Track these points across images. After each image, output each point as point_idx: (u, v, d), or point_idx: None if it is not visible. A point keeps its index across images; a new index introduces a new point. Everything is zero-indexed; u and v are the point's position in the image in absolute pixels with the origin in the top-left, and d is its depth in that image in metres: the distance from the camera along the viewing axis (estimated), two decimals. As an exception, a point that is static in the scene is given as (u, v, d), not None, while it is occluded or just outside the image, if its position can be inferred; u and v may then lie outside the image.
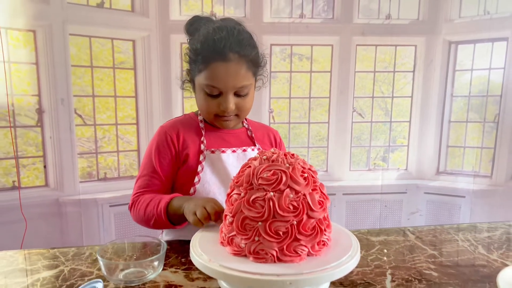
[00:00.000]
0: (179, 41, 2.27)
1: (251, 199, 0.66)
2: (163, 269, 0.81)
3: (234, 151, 0.98)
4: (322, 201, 0.69)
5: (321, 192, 0.71)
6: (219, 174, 0.95)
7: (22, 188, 2.10)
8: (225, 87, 0.87)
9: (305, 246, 0.66)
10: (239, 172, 0.73)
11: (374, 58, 2.43)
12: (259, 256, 0.65)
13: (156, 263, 0.78)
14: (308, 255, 0.67)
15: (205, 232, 0.79)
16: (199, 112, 0.99)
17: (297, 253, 0.65)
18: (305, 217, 0.66)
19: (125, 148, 2.32)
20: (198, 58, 0.88)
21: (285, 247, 0.65)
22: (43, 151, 2.16)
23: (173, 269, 0.81)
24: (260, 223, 0.65)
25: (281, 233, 0.65)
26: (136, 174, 1.85)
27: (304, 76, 2.43)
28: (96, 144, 2.26)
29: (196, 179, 0.93)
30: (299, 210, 0.65)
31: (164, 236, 1.10)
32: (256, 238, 0.65)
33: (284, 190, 0.66)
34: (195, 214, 0.78)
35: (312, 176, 0.70)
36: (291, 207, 0.65)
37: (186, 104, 2.37)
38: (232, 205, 0.70)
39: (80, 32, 2.15)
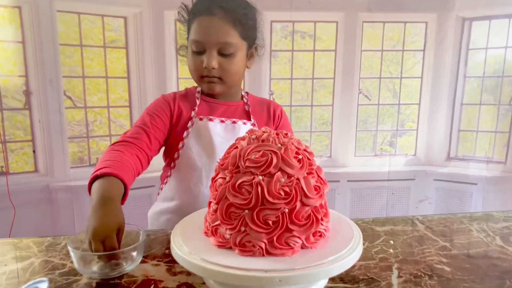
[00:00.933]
0: (173, 18, 2.18)
1: (237, 184, 0.59)
2: (144, 262, 0.74)
3: (222, 121, 0.97)
4: (319, 187, 0.62)
5: (318, 176, 0.63)
6: (202, 142, 0.95)
7: (10, 174, 2.05)
8: (208, 41, 0.88)
9: (299, 238, 0.59)
10: (225, 154, 0.66)
11: (381, 36, 2.35)
12: (245, 248, 0.58)
13: (134, 254, 0.71)
14: (302, 248, 0.60)
15: (192, 219, 0.73)
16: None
17: (289, 245, 0.58)
18: (298, 204, 0.59)
19: (117, 132, 2.27)
20: (189, 16, 0.93)
21: (275, 238, 0.58)
22: (31, 135, 2.11)
23: (154, 262, 0.75)
24: (247, 211, 0.58)
25: (270, 222, 0.58)
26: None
27: (306, 55, 2.36)
28: (87, 127, 2.21)
29: (180, 144, 0.95)
30: (292, 196, 0.58)
31: (150, 223, 1.04)
32: (242, 228, 0.58)
33: (275, 173, 0.58)
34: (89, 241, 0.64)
35: (308, 158, 0.63)
36: (283, 193, 0.58)
37: (181, 84, 2.30)
38: (217, 190, 0.62)
39: (68, 9, 2.06)
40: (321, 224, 0.61)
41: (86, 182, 0.76)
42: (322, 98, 2.44)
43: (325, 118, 2.47)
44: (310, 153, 0.65)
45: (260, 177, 0.58)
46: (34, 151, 2.12)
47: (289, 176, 0.59)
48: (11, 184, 2.02)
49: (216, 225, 0.62)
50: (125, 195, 0.76)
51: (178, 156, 0.95)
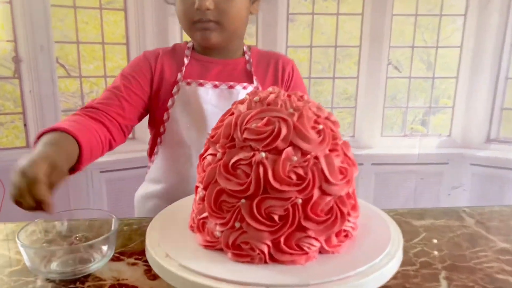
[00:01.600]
0: (178, -25, 2.03)
1: (231, 163, 0.45)
2: (118, 259, 0.62)
3: (216, 86, 0.82)
4: (346, 169, 0.47)
5: (345, 154, 0.48)
6: (191, 113, 0.81)
7: (0, 149, 1.99)
8: None
9: (316, 239, 0.44)
10: (217, 123, 0.51)
11: (416, -2, 2.20)
12: (241, 252, 0.45)
13: (105, 248, 0.60)
14: (320, 253, 0.46)
15: (178, 208, 0.60)
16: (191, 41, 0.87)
17: (302, 249, 0.44)
18: (316, 192, 0.44)
19: None
20: None
21: (282, 239, 0.44)
22: (22, 107, 2.02)
23: (131, 260, 0.63)
24: (243, 200, 0.44)
25: (276, 217, 0.43)
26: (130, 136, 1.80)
27: (329, 19, 2.22)
28: (83, 99, 2.12)
29: (165, 116, 0.82)
30: (307, 181, 0.43)
31: (137, 209, 0.91)
32: (237, 224, 0.44)
33: (284, 149, 0.44)
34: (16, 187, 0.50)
35: (331, 130, 0.48)
36: (294, 177, 0.43)
37: None
38: (204, 171, 0.48)
39: (59, -36, 1.93)
40: (348, 220, 0.46)
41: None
42: (345, 69, 2.32)
43: (349, 92, 2.35)
44: (334, 122, 0.49)
45: (263, 154, 0.43)
46: (25, 125, 2.04)
47: (304, 153, 0.45)
48: (1, 161, 1.95)
49: (203, 218, 0.48)
50: (81, 159, 0.62)
51: (164, 130, 0.83)
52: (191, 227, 0.52)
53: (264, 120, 0.45)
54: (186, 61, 0.83)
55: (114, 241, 0.61)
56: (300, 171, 0.44)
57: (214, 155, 0.48)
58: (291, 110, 0.46)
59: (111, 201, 2.16)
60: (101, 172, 2.08)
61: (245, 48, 0.88)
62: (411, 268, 0.60)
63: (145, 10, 2.09)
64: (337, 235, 0.46)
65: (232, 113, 0.49)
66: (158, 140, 0.85)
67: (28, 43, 1.94)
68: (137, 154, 2.00)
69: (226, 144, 0.47)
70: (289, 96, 0.49)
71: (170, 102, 0.81)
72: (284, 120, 0.45)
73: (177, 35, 2.14)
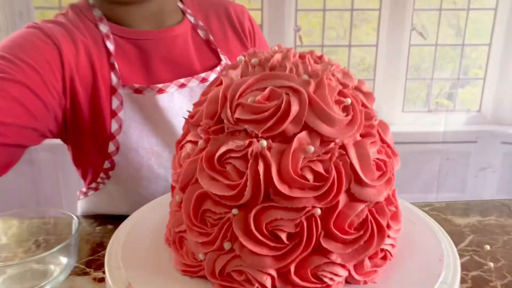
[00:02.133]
0: None
1: (217, 156, 0.32)
2: (84, 272, 0.51)
3: (183, 86, 0.61)
4: (385, 162, 0.34)
5: (382, 141, 0.36)
6: (156, 134, 0.61)
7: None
8: None
9: (342, 266, 0.32)
10: (200, 96, 0.38)
11: (445, -47, 2.07)
12: (233, 284, 0.32)
13: (63, 259, 0.49)
14: (347, 283, 0.33)
15: (153, 211, 0.48)
16: None
17: (321, 280, 0.32)
18: (343, 198, 0.32)
19: None
20: None
21: (292, 267, 0.31)
22: (2, 82, 1.92)
23: (99, 274, 0.51)
24: (235, 210, 0.31)
25: (283, 235, 0.31)
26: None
27: None
28: None
29: (112, 147, 0.60)
30: (331, 182, 0.31)
31: (80, 203, 0.74)
32: (227, 245, 0.32)
33: (295, 134, 0.31)
34: None
35: (364, 105, 0.35)
36: (310, 176, 0.31)
37: None
38: (181, 166, 0.35)
39: None
40: (388, 236, 0.34)
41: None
42: (363, 36, 2.21)
43: (367, 62, 2.25)
44: (367, 94, 0.36)
45: (264, 143, 0.31)
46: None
47: (325, 140, 0.32)
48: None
49: (181, 232, 0.36)
50: None
51: (113, 166, 0.62)
52: (167, 240, 0.40)
53: (266, 92, 0.32)
54: (110, 46, 0.58)
55: (76, 249, 0.50)
56: (319, 168, 0.31)
57: (195, 143, 0.35)
58: (306, 77, 0.33)
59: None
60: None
61: (180, 5, 0.66)
62: (463, 287, 0.48)
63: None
64: (371, 257, 0.34)
65: (221, 83, 0.36)
66: (100, 177, 0.63)
67: (5, 9, 1.87)
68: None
69: (210, 128, 0.34)
70: (302, 56, 0.36)
71: (114, 126, 0.58)
72: (296, 91, 0.32)
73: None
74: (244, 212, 0.31)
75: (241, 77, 0.35)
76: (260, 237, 0.31)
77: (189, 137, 0.36)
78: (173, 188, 0.38)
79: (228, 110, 0.33)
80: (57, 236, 0.55)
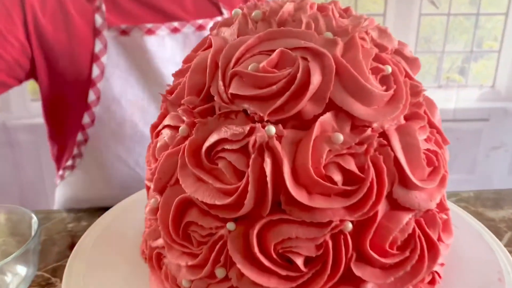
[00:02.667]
0: None
1: (205, 148, 0.24)
2: (47, 284, 0.44)
3: (175, 30, 0.56)
4: (436, 154, 0.26)
5: (431, 124, 0.27)
6: (145, 83, 0.57)
7: None
8: None
9: None
10: (183, 63, 0.29)
11: None
12: (228, 325, 0.24)
13: (20, 268, 0.41)
14: (384, 320, 0.25)
15: (129, 211, 0.40)
16: None
17: None
18: (384, 206, 0.24)
19: None
20: None
21: None
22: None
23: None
24: (231, 225, 0.23)
25: (299, 260, 0.23)
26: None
27: None
28: None
29: (92, 96, 0.56)
30: (368, 185, 0.22)
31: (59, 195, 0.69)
32: (221, 272, 0.24)
33: (316, 117, 0.22)
34: None
35: (407, 75, 0.26)
36: (338, 176, 0.23)
37: None
38: (157, 159, 0.27)
39: None
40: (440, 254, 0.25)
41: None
42: (369, 4, 2.15)
43: None
44: (411, 60, 0.28)
45: (272, 129, 0.22)
46: None
47: (359, 125, 0.23)
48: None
49: (159, 248, 0.27)
50: None
51: (93, 120, 0.58)
52: (143, 253, 0.31)
53: (274, 56, 0.23)
54: None
55: (36, 257, 0.42)
56: (351, 165, 0.22)
57: (175, 129, 0.26)
58: (329, 35, 0.24)
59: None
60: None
61: None
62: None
63: None
64: (420, 284, 0.25)
65: (210, 45, 0.27)
66: (77, 146, 0.60)
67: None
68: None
69: (195, 108, 0.25)
70: (322, 8, 0.27)
71: (95, 71, 0.55)
72: (317, 54, 0.23)
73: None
74: (244, 227, 0.23)
75: (237, 36, 0.26)
76: (267, 263, 0.23)
77: (167, 121, 0.27)
78: (148, 188, 0.30)
79: (220, 83, 0.24)
80: (20, 237, 0.47)
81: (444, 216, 0.27)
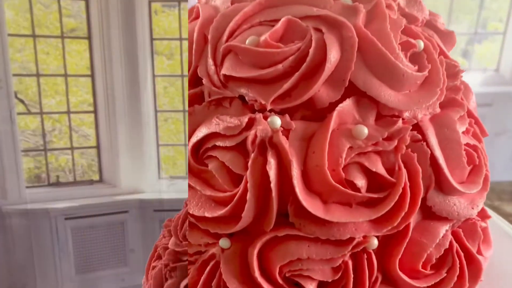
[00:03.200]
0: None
1: (190, 146, 0.20)
2: None
3: None
4: (477, 149, 0.22)
5: (470, 114, 0.23)
6: None
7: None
8: None
9: None
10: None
11: None
12: None
13: None
14: None
15: None
16: None
17: None
18: (417, 218, 0.19)
19: (81, 143, 2.21)
20: None
21: None
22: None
23: None
24: (225, 241, 0.19)
25: (312, 285, 0.19)
26: (96, 178, 1.87)
27: None
28: (44, 138, 2.14)
29: None
30: (400, 192, 0.19)
31: None
32: None
33: (335, 106, 0.18)
34: None
35: (442, 52, 0.22)
36: (361, 181, 0.19)
37: (158, 83, 2.11)
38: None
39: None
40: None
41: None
42: None
43: None
44: (444, 34, 0.24)
45: (277, 121, 0.18)
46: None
47: (385, 115, 0.19)
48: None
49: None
50: None
51: None
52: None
53: (280, 27, 0.19)
54: None
55: None
56: (377, 165, 0.19)
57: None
58: (348, 1, 0.20)
59: (77, 250, 2.25)
60: (66, 219, 2.09)
61: None
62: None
63: (112, 39, 2.04)
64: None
65: (198, 16, 0.22)
66: None
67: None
68: (106, 199, 2.05)
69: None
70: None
71: None
72: (334, 25, 0.19)
73: (148, 66, 2.10)
74: (241, 245, 0.19)
75: (231, 3, 0.21)
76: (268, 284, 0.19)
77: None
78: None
79: (210, 61, 0.20)
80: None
81: (483, 224, 0.23)
